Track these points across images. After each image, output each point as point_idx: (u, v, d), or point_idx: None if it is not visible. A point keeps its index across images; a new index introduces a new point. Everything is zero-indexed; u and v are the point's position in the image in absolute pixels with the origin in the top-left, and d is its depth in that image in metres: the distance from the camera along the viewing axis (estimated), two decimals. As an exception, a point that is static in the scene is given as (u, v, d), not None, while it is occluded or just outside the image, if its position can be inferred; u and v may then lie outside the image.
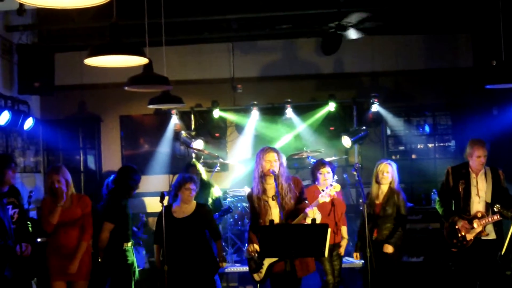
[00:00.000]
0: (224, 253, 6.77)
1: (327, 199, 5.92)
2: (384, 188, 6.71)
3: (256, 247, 5.88)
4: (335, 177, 6.92)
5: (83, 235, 6.06)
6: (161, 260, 6.10)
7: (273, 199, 5.86)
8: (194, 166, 8.04)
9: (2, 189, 6.12)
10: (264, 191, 5.93)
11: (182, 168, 8.28)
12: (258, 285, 6.15)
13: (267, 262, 5.90)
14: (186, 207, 6.37)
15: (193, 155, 9.99)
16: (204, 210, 6.46)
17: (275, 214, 5.85)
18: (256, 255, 5.92)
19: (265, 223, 5.84)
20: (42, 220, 5.99)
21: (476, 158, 6.43)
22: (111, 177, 7.65)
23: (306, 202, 6.02)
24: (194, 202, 6.43)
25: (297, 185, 6.00)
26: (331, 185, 5.96)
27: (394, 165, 6.76)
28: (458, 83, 10.05)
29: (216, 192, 8.19)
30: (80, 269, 6.02)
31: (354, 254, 6.92)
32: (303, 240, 5.12)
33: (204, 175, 8.08)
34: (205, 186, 7.93)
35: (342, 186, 9.16)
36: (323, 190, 5.95)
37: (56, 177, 5.96)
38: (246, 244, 7.00)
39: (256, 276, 6.01)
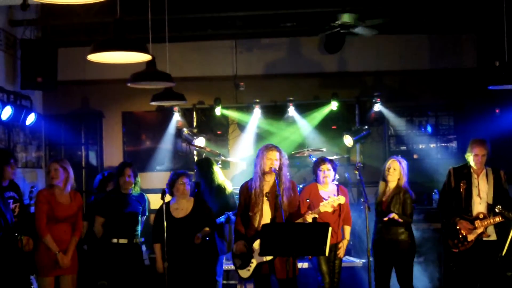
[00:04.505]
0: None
1: (329, 210, 5.89)
2: (392, 185, 6.51)
3: (245, 243, 5.95)
4: (337, 176, 6.90)
5: (75, 231, 6.12)
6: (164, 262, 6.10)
7: (266, 196, 5.89)
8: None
9: (2, 183, 6.13)
10: (261, 187, 5.96)
11: (194, 164, 8.00)
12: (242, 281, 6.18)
13: (255, 261, 5.91)
14: (184, 204, 6.32)
15: (195, 152, 10.00)
16: (203, 207, 6.43)
17: (266, 211, 5.91)
18: (246, 250, 5.94)
19: (254, 218, 5.89)
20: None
21: (474, 156, 6.43)
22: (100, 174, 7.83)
23: (307, 200, 6.06)
24: (191, 199, 6.40)
25: (293, 187, 6.05)
26: (335, 195, 5.92)
27: (403, 162, 6.53)
28: (461, 84, 10.03)
29: (229, 186, 7.49)
30: (71, 262, 6.06)
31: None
32: (304, 239, 5.13)
33: (221, 176, 7.48)
34: (219, 188, 7.31)
35: (344, 185, 9.19)
36: (325, 199, 5.91)
37: (54, 165, 6.03)
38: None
39: (243, 273, 6.03)
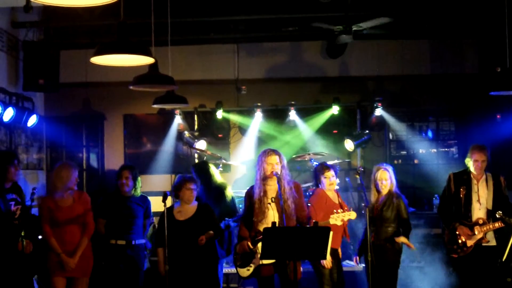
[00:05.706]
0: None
1: (339, 223, 5.86)
2: (384, 192, 6.57)
3: (249, 244, 5.91)
4: (337, 180, 6.89)
5: (85, 231, 6.10)
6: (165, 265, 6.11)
7: (272, 201, 5.87)
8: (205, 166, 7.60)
9: (4, 185, 6.14)
10: (264, 192, 5.94)
11: (191, 168, 8.02)
12: (241, 281, 6.13)
13: (258, 261, 5.90)
14: (188, 208, 6.34)
15: (196, 155, 10.01)
16: (206, 210, 6.42)
17: (272, 216, 5.88)
18: (249, 250, 5.92)
19: (259, 223, 5.87)
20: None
21: (474, 162, 6.43)
22: None
23: (309, 205, 6.03)
24: (196, 203, 6.41)
25: (298, 190, 6.02)
26: (349, 210, 5.89)
27: (391, 169, 6.60)
28: (462, 89, 10.04)
29: (228, 190, 7.50)
30: (82, 265, 6.04)
31: (354, 258, 6.87)
32: (305, 243, 5.13)
33: (219, 177, 7.57)
34: (218, 192, 7.35)
35: (345, 189, 9.21)
36: (336, 212, 5.88)
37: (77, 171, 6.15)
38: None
39: (242, 272, 6.01)
